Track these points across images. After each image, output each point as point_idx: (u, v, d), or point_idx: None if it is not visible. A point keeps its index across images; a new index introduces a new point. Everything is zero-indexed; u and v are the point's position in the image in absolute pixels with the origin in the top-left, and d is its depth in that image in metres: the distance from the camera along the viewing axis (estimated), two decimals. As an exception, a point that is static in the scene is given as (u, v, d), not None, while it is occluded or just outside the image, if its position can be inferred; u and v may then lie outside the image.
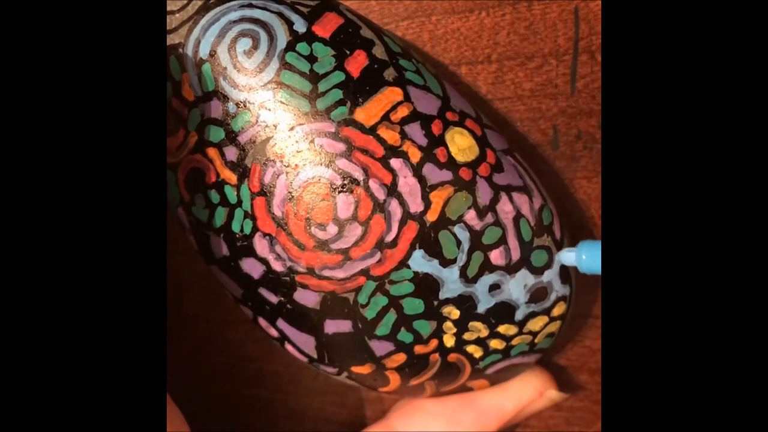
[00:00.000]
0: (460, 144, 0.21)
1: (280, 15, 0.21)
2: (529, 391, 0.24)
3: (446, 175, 0.21)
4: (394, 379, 0.23)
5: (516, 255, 0.22)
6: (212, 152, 0.21)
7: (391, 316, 0.22)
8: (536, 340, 0.23)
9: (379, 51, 0.21)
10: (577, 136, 0.24)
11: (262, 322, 0.23)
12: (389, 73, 0.21)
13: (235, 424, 0.28)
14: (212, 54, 0.21)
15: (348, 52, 0.21)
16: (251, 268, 0.22)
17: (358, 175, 0.21)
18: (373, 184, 0.21)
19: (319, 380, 0.28)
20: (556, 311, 0.23)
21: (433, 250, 0.21)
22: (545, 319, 0.23)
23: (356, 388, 0.27)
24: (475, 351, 0.23)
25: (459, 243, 0.21)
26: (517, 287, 0.22)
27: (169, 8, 0.21)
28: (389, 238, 0.21)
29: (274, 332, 0.23)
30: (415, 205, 0.21)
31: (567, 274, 0.23)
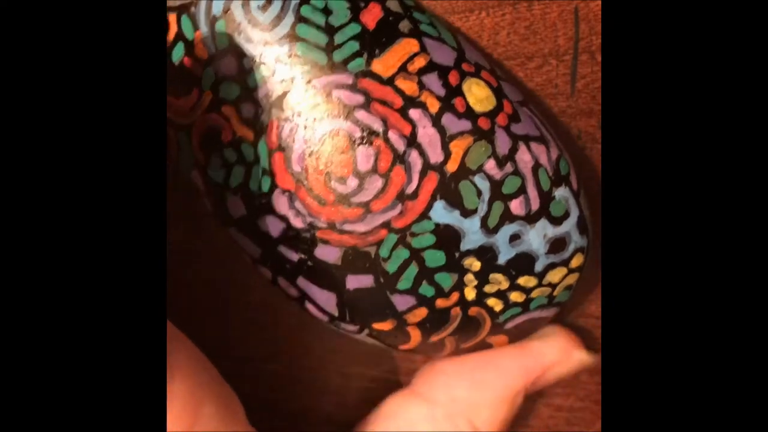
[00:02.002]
0: (478, 94, 0.21)
1: None
2: (552, 349, 0.24)
3: (465, 125, 0.21)
4: (415, 335, 0.23)
5: (536, 204, 0.22)
6: (228, 110, 0.21)
7: (413, 269, 0.22)
8: (555, 293, 0.23)
9: (393, 4, 0.21)
10: (577, 136, 0.24)
11: (282, 281, 0.23)
12: (404, 25, 0.21)
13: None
14: (226, 10, 0.21)
15: (363, 5, 0.21)
16: (270, 226, 0.22)
17: (378, 126, 0.21)
18: (393, 135, 0.21)
19: (319, 380, 0.28)
20: (575, 262, 0.23)
21: (454, 201, 0.21)
22: (564, 270, 0.23)
23: (356, 388, 0.27)
24: (496, 304, 0.23)
25: (479, 193, 0.21)
26: (536, 237, 0.22)
27: (180, -34, 0.21)
28: (410, 189, 0.21)
29: (294, 292, 0.23)
30: (435, 156, 0.21)
31: (584, 224, 0.23)
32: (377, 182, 0.21)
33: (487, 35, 0.24)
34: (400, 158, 0.21)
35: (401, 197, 0.21)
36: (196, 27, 0.21)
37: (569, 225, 0.23)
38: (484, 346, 0.24)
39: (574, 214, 0.23)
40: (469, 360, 0.25)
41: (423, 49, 0.21)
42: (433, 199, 0.21)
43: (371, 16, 0.21)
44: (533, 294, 0.23)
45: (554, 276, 0.23)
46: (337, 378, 0.27)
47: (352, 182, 0.21)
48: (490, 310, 0.23)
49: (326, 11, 0.21)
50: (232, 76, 0.21)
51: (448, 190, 0.21)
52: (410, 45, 0.21)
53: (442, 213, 0.21)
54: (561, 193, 0.22)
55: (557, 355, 0.24)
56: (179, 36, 0.22)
